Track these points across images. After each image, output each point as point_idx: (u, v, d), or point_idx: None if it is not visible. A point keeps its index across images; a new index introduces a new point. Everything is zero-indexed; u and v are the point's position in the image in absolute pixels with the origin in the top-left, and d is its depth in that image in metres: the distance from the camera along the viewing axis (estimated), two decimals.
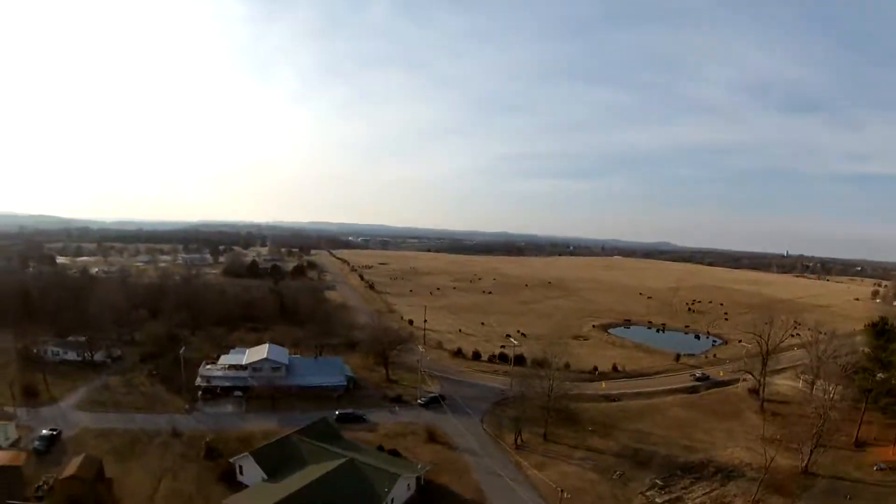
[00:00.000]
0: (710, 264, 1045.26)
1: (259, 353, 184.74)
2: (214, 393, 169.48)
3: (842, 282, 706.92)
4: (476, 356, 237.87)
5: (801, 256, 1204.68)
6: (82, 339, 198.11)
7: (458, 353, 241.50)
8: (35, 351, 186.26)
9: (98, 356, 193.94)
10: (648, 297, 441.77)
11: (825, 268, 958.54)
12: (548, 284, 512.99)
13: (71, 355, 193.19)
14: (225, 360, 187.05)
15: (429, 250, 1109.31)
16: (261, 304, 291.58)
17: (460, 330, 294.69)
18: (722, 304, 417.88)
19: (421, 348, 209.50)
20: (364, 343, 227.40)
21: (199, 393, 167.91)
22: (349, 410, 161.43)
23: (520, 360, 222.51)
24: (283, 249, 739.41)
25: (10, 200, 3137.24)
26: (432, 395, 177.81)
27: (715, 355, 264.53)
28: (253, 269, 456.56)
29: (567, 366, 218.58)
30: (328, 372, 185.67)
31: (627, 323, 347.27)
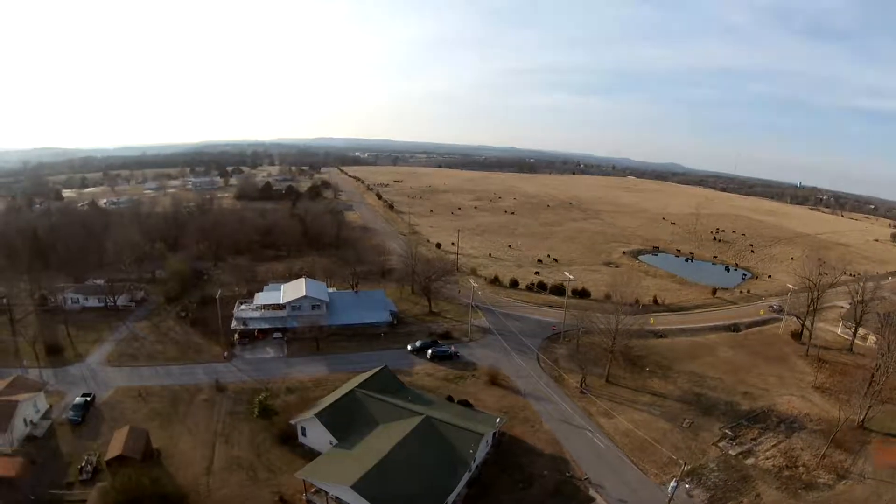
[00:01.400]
0: (722, 189, 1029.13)
1: (296, 289, 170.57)
2: (252, 336, 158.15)
3: (856, 219, 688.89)
4: (514, 284, 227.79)
5: (814, 189, 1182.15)
6: (102, 282, 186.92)
7: (496, 282, 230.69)
8: (53, 300, 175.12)
9: (121, 300, 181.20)
10: (672, 223, 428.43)
11: (839, 202, 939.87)
12: (568, 205, 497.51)
13: (92, 302, 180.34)
14: (260, 298, 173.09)
15: (440, 166, 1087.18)
16: (282, 230, 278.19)
17: (490, 254, 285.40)
18: (744, 235, 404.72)
19: (473, 282, 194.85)
20: (399, 272, 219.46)
21: (236, 337, 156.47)
22: (442, 347, 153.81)
23: (560, 289, 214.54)
24: (293, 168, 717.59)
25: (10, 136, 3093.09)
26: (485, 329, 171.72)
27: (749, 290, 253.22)
28: (267, 192, 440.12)
29: (608, 297, 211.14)
30: (371, 307, 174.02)
31: (656, 250, 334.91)
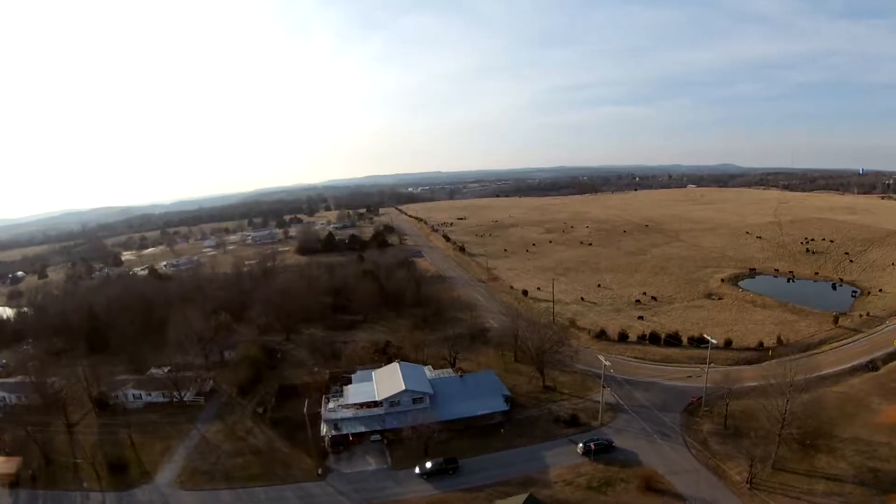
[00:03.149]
0: (785, 187, 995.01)
1: (392, 381, 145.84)
2: (346, 441, 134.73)
3: None
4: (623, 337, 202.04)
5: (878, 174, 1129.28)
6: (164, 370, 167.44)
7: (602, 336, 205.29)
8: (113, 396, 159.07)
9: (188, 395, 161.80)
10: (758, 237, 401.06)
11: None
12: (645, 228, 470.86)
13: (155, 396, 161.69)
14: (350, 393, 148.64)
15: (497, 195, 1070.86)
16: (354, 290, 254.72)
17: (581, 298, 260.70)
18: (833, 242, 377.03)
19: (603, 360, 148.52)
20: (495, 334, 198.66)
21: (327, 442, 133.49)
22: (601, 440, 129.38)
23: (675, 339, 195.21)
24: (350, 212, 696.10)
25: (70, 197, 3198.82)
26: (611, 404, 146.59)
27: (868, 313, 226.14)
28: (330, 243, 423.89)
29: (728, 343, 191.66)
30: (481, 393, 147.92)
31: (752, 272, 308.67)
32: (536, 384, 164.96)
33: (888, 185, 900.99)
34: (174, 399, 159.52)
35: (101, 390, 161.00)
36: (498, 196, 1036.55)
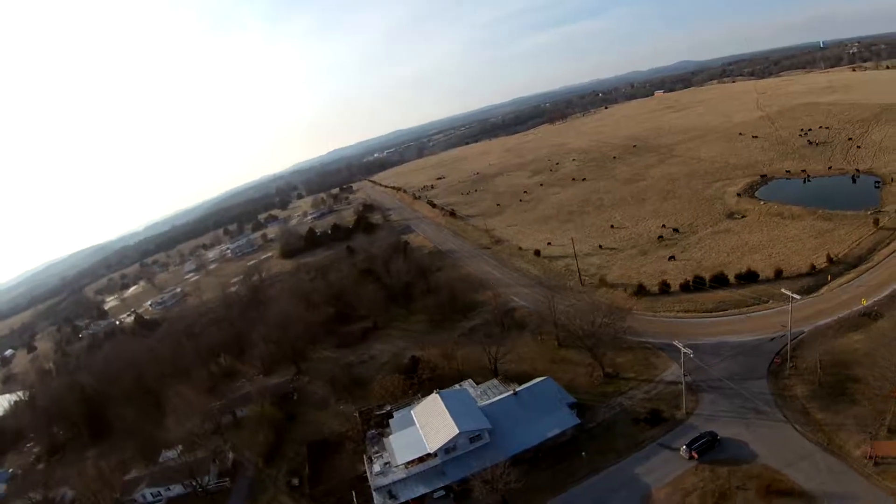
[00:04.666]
0: (750, 74, 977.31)
1: (438, 420, 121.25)
2: None
3: None
4: (665, 289, 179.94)
5: (841, 44, 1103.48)
6: (177, 452, 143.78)
7: (642, 291, 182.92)
8: (130, 501, 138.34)
9: (210, 480, 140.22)
10: (753, 137, 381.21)
11: (872, 51, 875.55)
12: (633, 149, 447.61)
13: (175, 490, 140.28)
14: (395, 447, 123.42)
15: (466, 142, 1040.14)
16: (354, 292, 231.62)
17: (600, 245, 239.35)
18: (829, 128, 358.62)
19: (683, 348, 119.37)
20: (523, 315, 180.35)
21: None
22: (705, 437, 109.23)
23: (721, 279, 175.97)
24: (324, 196, 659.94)
25: (48, 247, 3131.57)
26: (686, 384, 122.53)
27: None
28: (312, 239, 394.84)
29: (779, 274, 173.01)
30: (544, 408, 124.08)
31: (765, 179, 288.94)
32: (595, 373, 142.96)
33: (853, 54, 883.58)
34: (197, 488, 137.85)
35: (115, 498, 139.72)
36: (467, 143, 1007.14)
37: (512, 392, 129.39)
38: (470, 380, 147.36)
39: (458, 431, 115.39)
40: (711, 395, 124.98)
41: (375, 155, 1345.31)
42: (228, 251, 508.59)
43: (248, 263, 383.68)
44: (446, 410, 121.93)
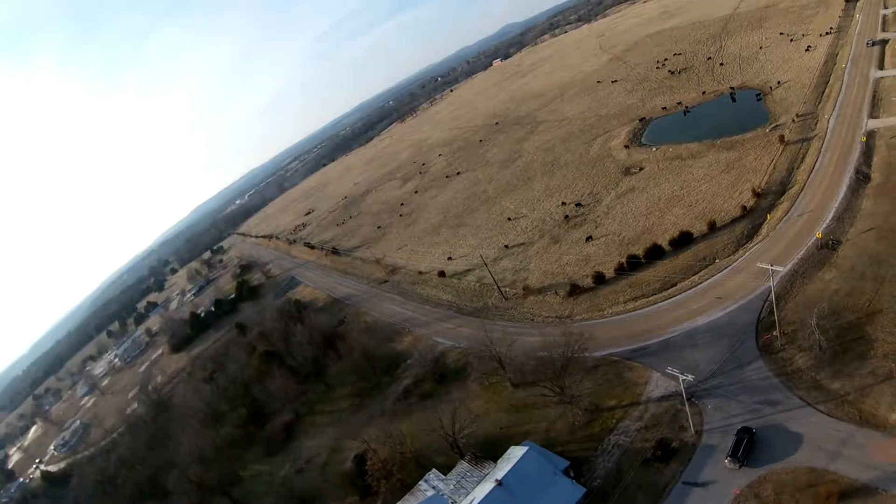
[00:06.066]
0: (578, 20, 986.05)
1: None
2: None
3: None
4: (600, 280, 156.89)
5: None
6: None
7: (576, 291, 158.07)
8: None
9: None
10: (613, 82, 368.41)
11: None
12: (496, 126, 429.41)
13: None
14: None
15: (324, 164, 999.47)
16: (258, 379, 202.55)
17: (506, 246, 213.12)
18: (681, 54, 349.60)
19: (681, 375, 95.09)
20: (455, 358, 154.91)
21: None
22: (742, 435, 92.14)
23: (656, 250, 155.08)
24: (197, 267, 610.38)
25: None
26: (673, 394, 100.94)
27: (798, 114, 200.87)
28: (198, 324, 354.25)
29: (713, 226, 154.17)
30: (538, 489, 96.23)
31: (644, 122, 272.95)
32: (572, 414, 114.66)
33: None
34: None
35: None
36: (325, 165, 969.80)
37: (495, 482, 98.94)
38: (435, 471, 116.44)
39: None
40: (713, 401, 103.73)
41: (237, 202, 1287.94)
42: (116, 359, 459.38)
43: (140, 370, 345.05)
44: None
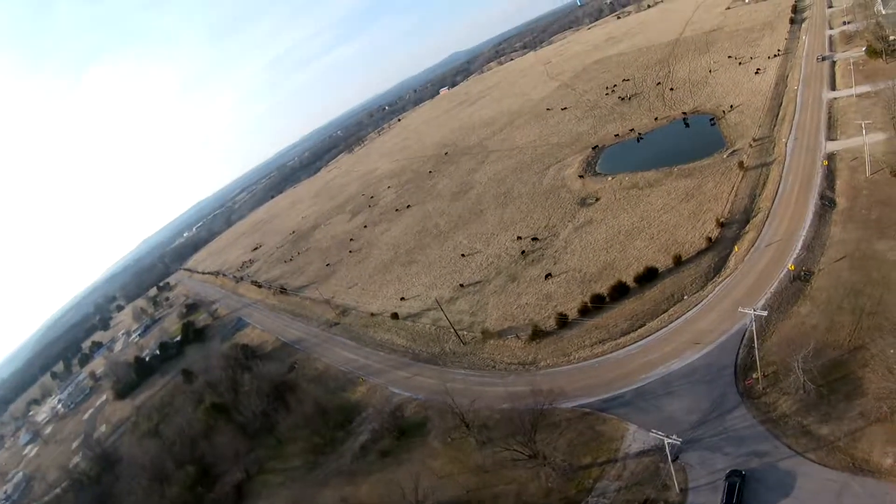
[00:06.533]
0: (524, 48, 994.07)
1: None
2: None
3: (662, 0, 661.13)
4: (563, 323, 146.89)
5: None
6: None
7: (539, 335, 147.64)
8: None
9: None
10: (563, 109, 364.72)
11: None
12: (445, 157, 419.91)
13: None
14: None
15: (272, 196, 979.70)
16: (205, 434, 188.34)
17: (461, 285, 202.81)
18: (629, 80, 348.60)
19: (667, 438, 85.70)
20: (423, 413, 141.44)
21: None
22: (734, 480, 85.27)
23: (621, 288, 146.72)
24: (143, 306, 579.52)
25: None
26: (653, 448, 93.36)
27: (754, 139, 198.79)
28: (142, 368, 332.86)
29: (679, 260, 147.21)
30: None
31: (597, 150, 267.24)
32: (546, 476, 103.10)
33: (611, 3, 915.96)
34: None
35: None
36: (273, 197, 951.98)
37: None
38: None
39: None
40: (695, 454, 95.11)
41: (185, 235, 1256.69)
42: (60, 404, 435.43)
43: (84, 417, 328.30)
44: None
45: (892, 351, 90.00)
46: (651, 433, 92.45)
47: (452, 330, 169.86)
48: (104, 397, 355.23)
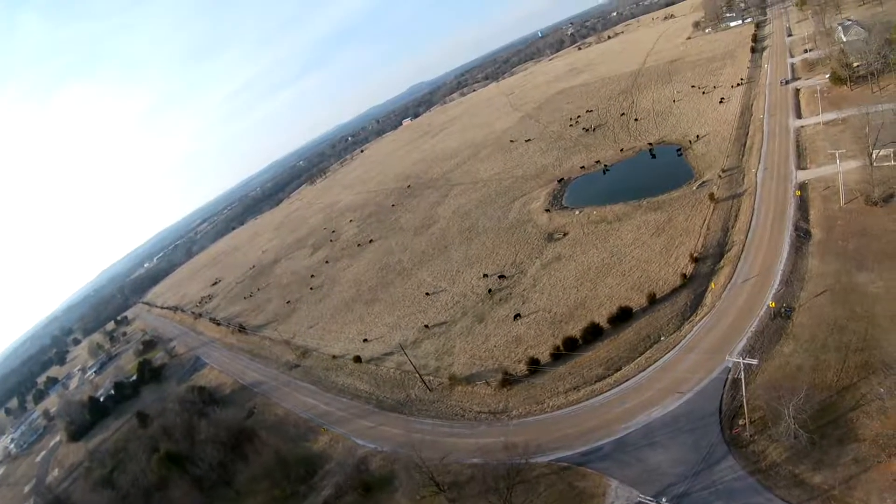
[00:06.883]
0: (485, 79, 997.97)
1: None
2: None
3: (622, 32, 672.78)
4: (535, 366, 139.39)
5: (557, 29, 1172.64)
6: None
7: (509, 380, 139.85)
8: None
9: None
10: (527, 141, 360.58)
11: (587, 27, 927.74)
12: (408, 189, 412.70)
13: None
14: None
15: (233, 227, 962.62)
16: (159, 485, 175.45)
17: (426, 326, 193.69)
18: (592, 111, 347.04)
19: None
20: (390, 467, 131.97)
21: None
22: None
23: (594, 330, 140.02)
24: (99, 340, 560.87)
25: None
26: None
27: (723, 169, 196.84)
28: (97, 408, 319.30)
29: (653, 298, 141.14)
30: None
31: (563, 183, 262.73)
32: None
33: (572, 34, 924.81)
34: None
35: None
36: (234, 228, 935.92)
37: None
38: None
39: None
40: None
41: (146, 265, 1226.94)
42: (12, 444, 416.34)
43: (37, 459, 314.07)
44: None
45: (882, 390, 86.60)
46: (639, 499, 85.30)
47: (418, 375, 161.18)
48: (57, 438, 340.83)
